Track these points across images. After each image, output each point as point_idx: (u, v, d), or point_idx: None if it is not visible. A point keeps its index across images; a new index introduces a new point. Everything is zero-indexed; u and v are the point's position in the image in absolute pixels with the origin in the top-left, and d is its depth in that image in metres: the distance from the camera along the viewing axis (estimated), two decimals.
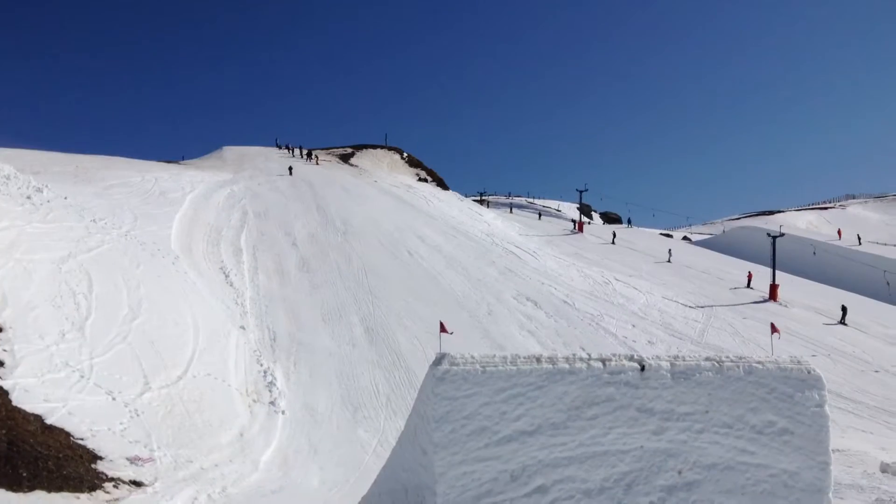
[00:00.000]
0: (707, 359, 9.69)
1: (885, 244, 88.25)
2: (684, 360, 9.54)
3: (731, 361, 9.67)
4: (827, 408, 9.88)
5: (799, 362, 9.97)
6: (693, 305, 36.54)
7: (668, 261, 50.37)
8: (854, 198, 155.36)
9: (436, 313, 31.16)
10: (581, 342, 29.22)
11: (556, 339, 29.83)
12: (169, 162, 59.15)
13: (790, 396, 9.74)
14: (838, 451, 19.53)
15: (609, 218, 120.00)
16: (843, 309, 37.23)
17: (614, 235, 58.73)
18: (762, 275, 44.30)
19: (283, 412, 21.52)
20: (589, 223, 78.88)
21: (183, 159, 64.20)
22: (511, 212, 78.08)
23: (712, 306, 36.69)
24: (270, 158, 62.53)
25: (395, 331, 28.33)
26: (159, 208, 36.49)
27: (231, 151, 65.47)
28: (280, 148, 71.89)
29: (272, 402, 21.92)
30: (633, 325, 32.39)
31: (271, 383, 23.05)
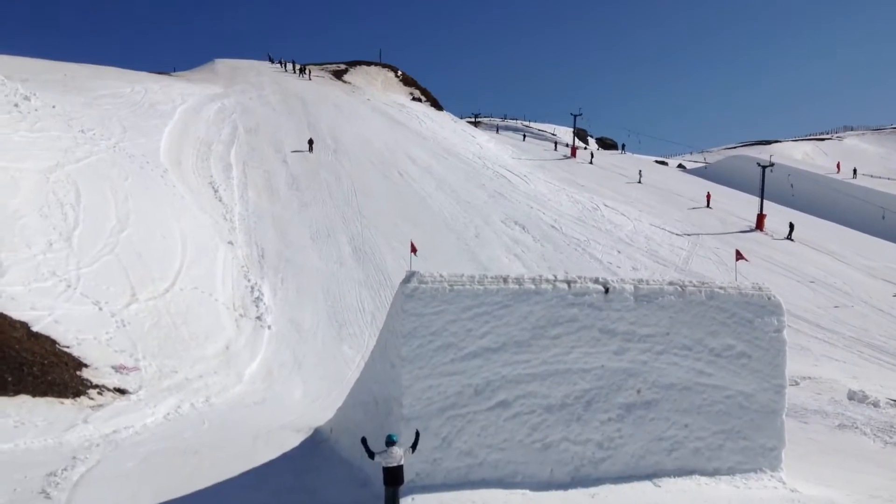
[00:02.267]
0: (670, 283, 10.00)
1: (881, 177, 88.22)
2: (648, 284, 9.86)
3: (694, 286, 9.98)
4: (785, 333, 10.26)
5: (760, 288, 10.29)
6: (679, 233, 36.80)
7: (639, 181, 52.32)
8: (852, 129, 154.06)
9: (424, 234, 31.37)
10: (566, 267, 29.51)
11: (542, 264, 30.12)
12: (160, 73, 58.30)
13: (749, 321, 10.09)
14: (810, 378, 20.06)
15: (605, 144, 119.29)
16: (791, 225, 39.65)
17: (640, 174, 56.99)
18: (750, 205, 44.44)
19: (269, 327, 21.91)
20: (586, 148, 78.52)
21: (174, 71, 63.30)
22: (524, 139, 77.15)
23: (698, 234, 36.96)
24: (263, 73, 61.66)
25: (382, 251, 28.58)
26: (149, 120, 36.24)
27: (223, 65, 64.48)
28: (273, 62, 70.80)
29: (258, 317, 22.29)
30: (619, 252, 32.68)
31: (258, 298, 23.39)
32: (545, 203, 39.24)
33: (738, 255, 25.27)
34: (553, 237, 33.57)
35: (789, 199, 55.32)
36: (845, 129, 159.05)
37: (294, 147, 39.97)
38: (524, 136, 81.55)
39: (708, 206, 45.90)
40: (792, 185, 59.05)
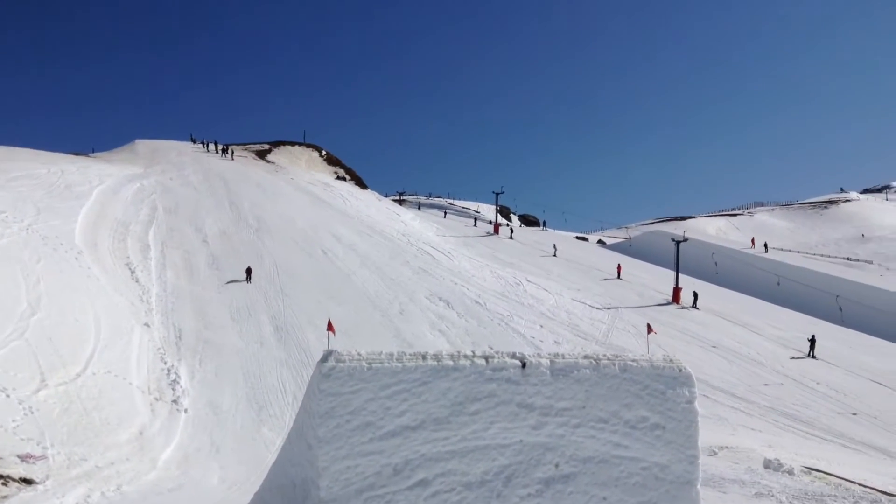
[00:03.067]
0: (585, 356, 10.16)
1: (790, 251, 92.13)
2: (563, 358, 9.98)
3: (608, 359, 10.16)
4: (696, 404, 10.45)
5: (671, 360, 10.53)
6: (599, 307, 37.57)
7: (554, 255, 54.81)
8: (762, 205, 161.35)
9: (348, 312, 31.25)
10: (490, 341, 29.71)
11: (466, 339, 30.28)
12: (77, 155, 57.40)
13: (662, 393, 10.28)
14: (727, 447, 20.45)
15: (528, 220, 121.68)
16: (694, 294, 41.21)
17: (555, 248, 58.42)
18: (668, 278, 45.80)
19: (185, 410, 21.29)
20: (508, 225, 79.96)
21: (93, 152, 62.41)
22: (445, 216, 78.13)
23: (618, 308, 37.80)
24: (184, 153, 61.37)
25: (305, 329, 28.29)
26: (64, 202, 35.49)
27: (143, 145, 63.97)
28: (195, 143, 70.57)
29: (175, 401, 21.66)
30: (542, 326, 33.12)
31: (175, 381, 22.76)
32: (469, 279, 39.64)
33: (649, 329, 26.02)
34: (477, 312, 33.84)
35: (706, 274, 57.19)
36: (755, 204, 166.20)
37: (215, 227, 39.57)
38: (445, 212, 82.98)
39: (619, 277, 47.97)
40: (716, 263, 61.19)
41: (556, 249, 56.80)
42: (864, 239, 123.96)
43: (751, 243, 71.49)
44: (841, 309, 48.57)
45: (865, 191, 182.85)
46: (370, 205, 57.68)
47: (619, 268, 50.01)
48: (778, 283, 55.67)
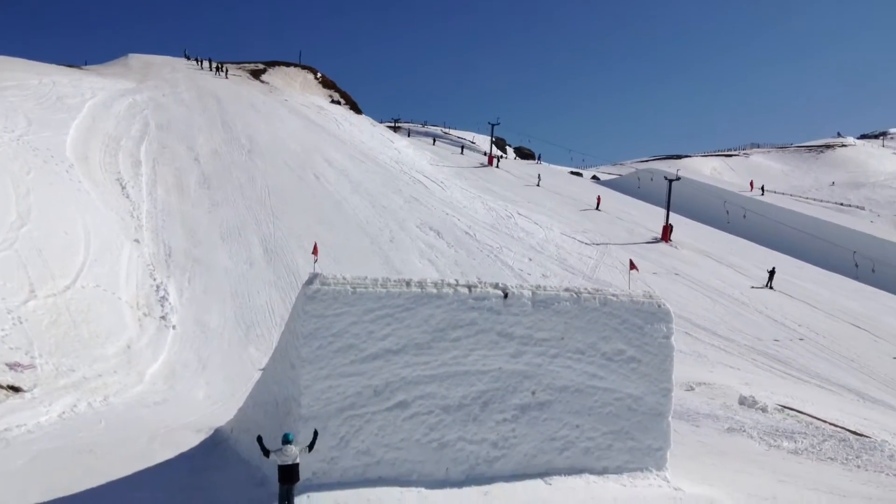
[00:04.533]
0: (566, 289, 10.37)
1: (784, 194, 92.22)
2: (545, 290, 10.19)
3: (589, 293, 10.37)
4: (673, 339, 10.74)
5: (651, 296, 10.76)
6: (589, 242, 37.77)
7: (538, 185, 55.24)
8: (758, 147, 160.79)
9: (338, 237, 31.36)
10: (478, 272, 29.92)
11: (455, 269, 30.47)
12: (70, 66, 56.45)
13: (640, 327, 10.55)
14: (705, 384, 20.91)
15: (522, 153, 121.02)
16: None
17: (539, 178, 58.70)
18: (661, 216, 45.92)
19: (173, 327, 21.55)
20: (503, 157, 79.57)
21: (86, 65, 61.37)
22: (434, 143, 77.71)
23: (606, 244, 38.02)
24: (178, 69, 60.38)
25: (294, 252, 28.41)
26: (56, 114, 35.08)
27: (137, 60, 62.84)
28: (189, 59, 69.41)
29: (163, 317, 21.89)
30: (530, 259, 33.33)
31: (163, 298, 22.96)
32: (461, 210, 39.67)
33: (631, 265, 26.32)
34: (467, 243, 33.97)
35: (698, 213, 57.20)
36: (752, 146, 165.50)
37: (207, 146, 39.28)
38: (434, 139, 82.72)
39: (597, 208, 49.59)
40: (727, 212, 60.85)
41: (539, 179, 57.48)
42: (857, 184, 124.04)
43: (749, 186, 71.39)
44: (858, 262, 48.64)
45: (863, 136, 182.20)
46: (364, 130, 57.17)
47: (598, 199, 51.33)
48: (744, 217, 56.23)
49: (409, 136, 77.47)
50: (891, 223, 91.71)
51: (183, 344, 20.70)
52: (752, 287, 34.68)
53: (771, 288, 35.42)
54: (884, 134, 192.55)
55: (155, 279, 23.95)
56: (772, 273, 36.39)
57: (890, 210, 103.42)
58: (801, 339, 28.37)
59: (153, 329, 21.00)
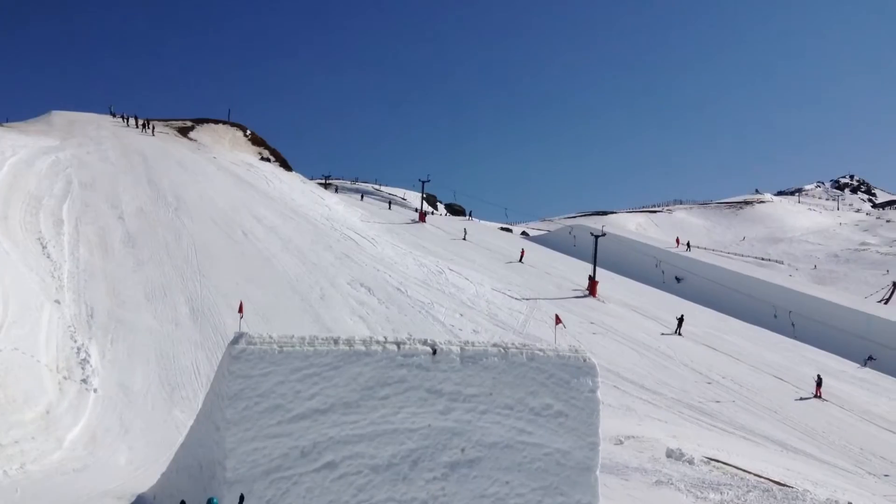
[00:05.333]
0: (494, 345, 10.44)
1: (707, 248, 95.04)
2: (473, 346, 10.24)
3: (516, 348, 10.46)
4: (599, 393, 10.87)
5: (577, 351, 10.90)
6: (519, 297, 38.16)
7: (464, 238, 56.76)
8: (681, 203, 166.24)
9: (267, 295, 30.97)
10: (409, 329, 29.86)
11: (386, 326, 30.38)
12: None
13: (567, 382, 10.64)
14: (633, 437, 21.15)
15: (454, 210, 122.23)
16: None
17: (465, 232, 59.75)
18: (588, 271, 46.76)
19: (95, 390, 20.81)
20: (434, 214, 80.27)
21: (6, 122, 59.95)
22: (362, 199, 78.03)
23: (536, 299, 38.46)
24: (103, 126, 59.47)
25: (222, 311, 27.92)
26: None
27: (60, 117, 61.67)
28: (114, 116, 68.48)
29: (84, 380, 21.14)
30: (462, 315, 33.46)
31: (85, 360, 22.21)
32: (392, 266, 39.69)
33: (557, 320, 26.82)
34: (398, 299, 33.94)
35: (624, 268, 58.46)
36: (675, 202, 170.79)
37: (132, 204, 38.55)
38: (362, 195, 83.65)
39: (521, 260, 50.99)
40: (657, 265, 62.40)
41: (465, 233, 58.66)
42: (776, 239, 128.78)
43: (675, 242, 73.50)
44: (778, 315, 50.20)
45: (780, 193, 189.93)
46: (294, 187, 57.00)
47: (522, 252, 53.17)
48: (677, 280, 57.79)
49: (336, 191, 77.64)
50: (808, 277, 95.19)
51: (105, 408, 20.00)
52: (662, 333, 35.99)
53: (679, 334, 36.90)
54: (799, 190, 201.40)
55: (76, 341, 23.18)
56: (680, 320, 37.82)
57: (807, 264, 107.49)
58: (727, 392, 29.04)
59: (73, 393, 20.25)
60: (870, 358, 40.34)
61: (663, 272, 59.36)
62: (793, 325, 47.66)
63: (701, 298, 52.55)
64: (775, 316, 49.42)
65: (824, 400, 30.43)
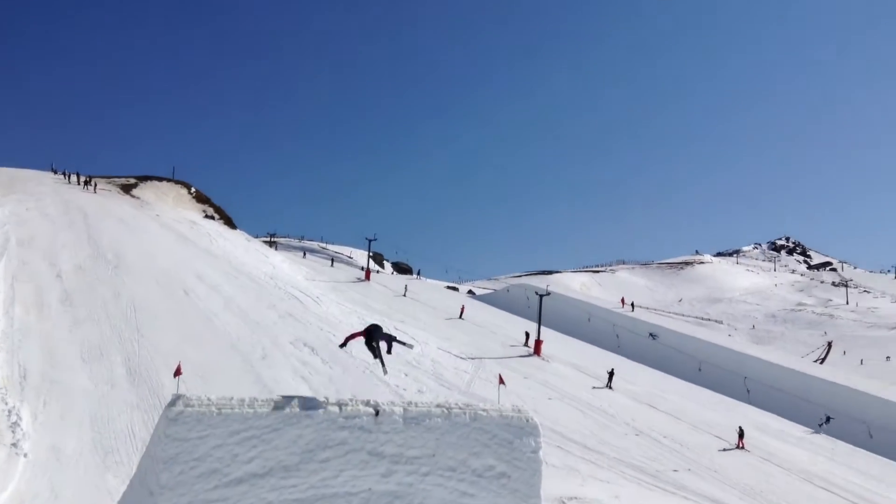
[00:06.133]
0: (438, 405, 10.44)
1: (648, 308, 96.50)
2: (416, 407, 10.22)
3: (459, 408, 10.47)
4: (541, 453, 10.91)
5: (519, 411, 10.96)
6: (464, 356, 38.12)
7: (404, 295, 57.55)
8: (624, 263, 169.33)
9: (208, 355, 30.36)
10: (353, 390, 29.50)
11: (329, 386, 29.96)
12: None
13: (510, 442, 10.67)
14: (576, 498, 21.12)
15: (400, 268, 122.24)
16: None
17: (406, 288, 60.32)
18: (533, 330, 47.05)
19: (25, 455, 20.02)
20: (378, 272, 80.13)
21: None
22: (304, 256, 77.79)
23: (481, 358, 38.48)
24: (44, 183, 58.45)
25: (160, 372, 27.25)
26: None
27: (0, 173, 60.49)
28: (56, 173, 67.42)
29: (14, 444, 20.34)
30: (406, 374, 33.23)
31: (15, 423, 21.40)
32: (336, 325, 39.38)
33: (500, 380, 26.87)
34: (342, 359, 33.57)
35: (568, 327, 59.02)
36: (618, 262, 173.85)
37: (70, 262, 37.73)
38: (304, 252, 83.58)
39: (461, 317, 52.08)
40: (589, 320, 63.30)
41: (406, 290, 59.46)
42: (715, 299, 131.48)
43: (620, 302, 74.68)
44: (700, 369, 51.17)
45: (719, 254, 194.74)
46: (238, 245, 56.52)
47: (462, 308, 54.45)
48: (617, 337, 59.00)
49: (276, 249, 77.25)
50: (747, 336, 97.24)
51: (35, 472, 19.22)
52: (594, 387, 36.65)
53: (610, 388, 37.93)
54: (737, 252, 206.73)
55: (7, 403, 22.35)
56: (611, 374, 38.93)
57: (746, 324, 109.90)
58: (668, 452, 29.26)
59: (2, 457, 19.44)
60: (827, 420, 41.09)
61: (617, 336, 60.03)
62: (748, 390, 48.51)
63: (642, 357, 53.27)
64: (699, 369, 50.60)
65: (746, 451, 31.32)
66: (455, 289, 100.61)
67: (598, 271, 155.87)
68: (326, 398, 9.83)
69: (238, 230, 66.44)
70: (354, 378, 31.60)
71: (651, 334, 59.01)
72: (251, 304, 39.35)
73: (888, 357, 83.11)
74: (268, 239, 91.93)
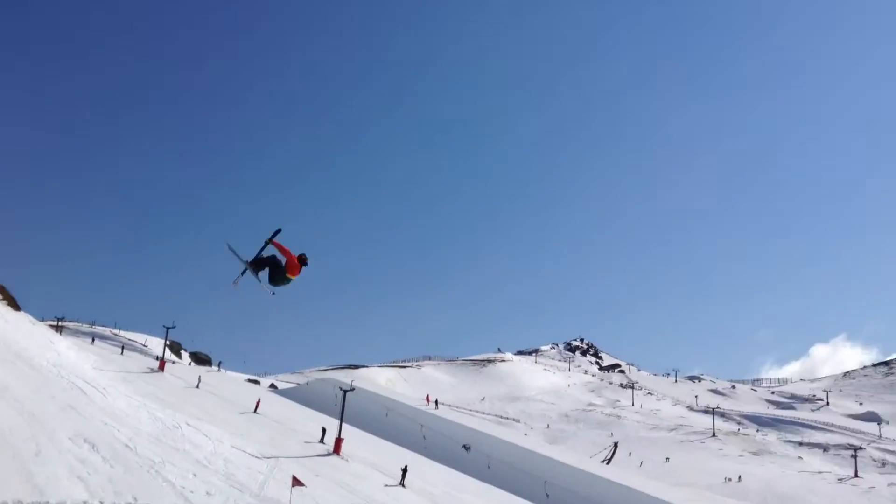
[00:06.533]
0: None
1: (451, 406, 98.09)
2: None
3: None
4: None
5: None
6: (259, 455, 36.86)
7: (197, 386, 56.40)
8: (430, 359, 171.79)
9: None
10: (135, 491, 27.57)
11: (108, 488, 27.78)
12: None
13: None
14: None
15: (199, 359, 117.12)
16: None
17: (199, 379, 58.25)
18: (334, 426, 46.44)
19: None
20: (174, 362, 76.50)
21: None
22: (93, 342, 73.16)
23: (278, 457, 37.36)
24: None
25: None
26: None
27: None
28: None
29: None
30: (195, 475, 31.55)
31: None
32: (122, 419, 36.96)
33: (295, 482, 26.50)
34: (126, 458, 31.43)
35: (371, 425, 58.92)
36: (424, 358, 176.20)
37: None
38: (93, 338, 79.55)
39: (255, 411, 50.64)
40: (387, 415, 63.45)
41: (199, 381, 58.25)
42: (514, 397, 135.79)
43: (426, 400, 75.74)
44: (489, 466, 52.34)
45: (519, 352, 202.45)
46: (20, 328, 52.15)
47: (257, 402, 53.10)
48: (424, 438, 59.53)
49: (61, 333, 72.32)
50: (542, 435, 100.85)
51: None
52: (386, 485, 36.98)
53: (403, 486, 38.13)
54: (536, 351, 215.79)
55: None
56: (404, 471, 39.10)
57: (541, 422, 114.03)
58: None
59: None
60: (465, 447, 43.94)
61: (424, 438, 60.46)
62: (547, 495, 49.95)
63: (442, 457, 53.84)
64: (489, 467, 52.11)
65: None
66: (256, 382, 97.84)
67: (404, 366, 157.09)
68: (101, 502, 9.29)
69: (22, 312, 61.48)
70: (137, 478, 29.57)
71: (464, 446, 60.02)
72: (28, 395, 36.17)
73: (667, 458, 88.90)
74: (55, 323, 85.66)
